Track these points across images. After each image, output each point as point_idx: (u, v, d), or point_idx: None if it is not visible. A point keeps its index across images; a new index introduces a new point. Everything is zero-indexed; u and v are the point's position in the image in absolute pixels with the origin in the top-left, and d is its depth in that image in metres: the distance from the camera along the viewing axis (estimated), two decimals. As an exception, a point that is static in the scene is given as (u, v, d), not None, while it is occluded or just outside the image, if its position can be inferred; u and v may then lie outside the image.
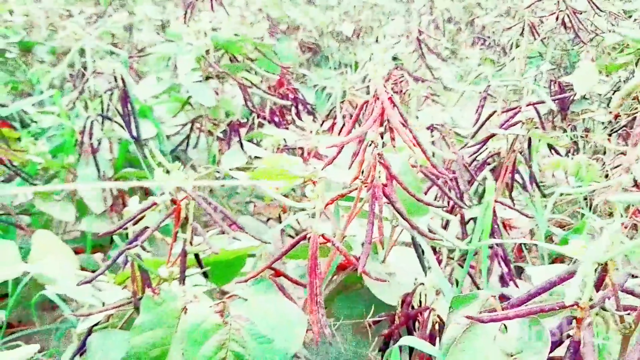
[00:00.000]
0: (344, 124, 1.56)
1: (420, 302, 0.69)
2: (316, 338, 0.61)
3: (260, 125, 1.41)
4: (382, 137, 0.63)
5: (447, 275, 0.91)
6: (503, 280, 0.99)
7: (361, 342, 0.78)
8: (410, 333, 0.70)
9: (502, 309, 0.49)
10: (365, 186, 0.66)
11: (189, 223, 0.71)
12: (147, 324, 0.62)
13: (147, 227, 0.70)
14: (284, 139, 1.35)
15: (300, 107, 1.64)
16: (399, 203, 0.63)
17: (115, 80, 1.10)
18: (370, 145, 0.61)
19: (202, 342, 0.57)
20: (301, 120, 1.64)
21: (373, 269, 0.81)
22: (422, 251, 0.85)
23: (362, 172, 0.67)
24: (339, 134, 1.45)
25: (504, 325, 0.49)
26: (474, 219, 1.00)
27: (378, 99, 0.60)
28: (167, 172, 0.68)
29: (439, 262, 0.97)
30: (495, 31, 3.15)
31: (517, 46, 2.88)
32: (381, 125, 0.63)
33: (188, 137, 1.23)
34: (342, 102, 1.55)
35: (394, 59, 1.69)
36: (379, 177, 0.63)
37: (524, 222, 1.25)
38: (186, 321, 0.59)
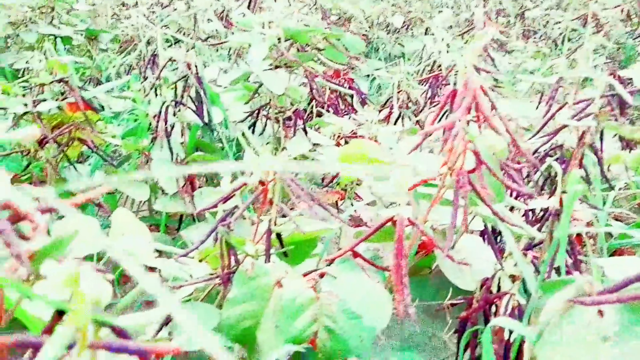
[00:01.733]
0: (400, 114, 1.58)
1: (499, 287, 0.71)
2: (400, 317, 0.64)
3: (319, 114, 1.44)
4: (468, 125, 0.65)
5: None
6: (558, 272, 0.99)
7: (432, 325, 0.80)
8: (486, 317, 0.71)
9: (598, 295, 0.51)
10: (451, 173, 0.68)
11: (275, 204, 0.74)
12: (239, 298, 0.66)
13: (237, 206, 0.74)
14: (342, 128, 1.38)
15: (356, 97, 1.66)
16: (483, 189, 0.65)
17: (189, 67, 1.14)
18: (458, 132, 0.63)
19: (297, 315, 0.61)
20: (355, 111, 1.66)
21: (444, 256, 0.82)
22: (495, 238, 0.86)
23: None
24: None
25: (600, 310, 0.50)
26: (532, 210, 1.01)
27: (468, 87, 0.62)
28: (257, 154, 0.72)
29: (502, 252, 0.98)
30: (546, 24, 3.09)
31: (569, 39, 2.82)
32: (469, 113, 0.64)
33: (254, 124, 1.27)
34: (399, 92, 1.57)
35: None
36: (465, 164, 0.65)
37: (586, 214, 1.24)
38: (280, 295, 0.62)
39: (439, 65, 1.65)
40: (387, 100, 1.60)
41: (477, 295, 0.71)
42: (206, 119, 1.16)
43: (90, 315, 0.31)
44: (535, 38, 2.97)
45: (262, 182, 0.74)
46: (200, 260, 0.87)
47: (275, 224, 0.75)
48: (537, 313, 0.62)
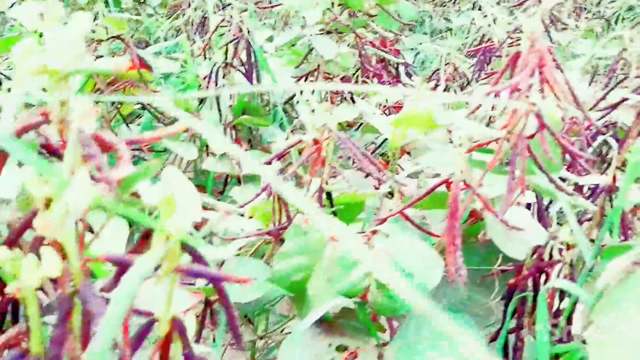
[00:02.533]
0: (446, 87, 1.56)
1: (550, 255, 0.70)
2: (451, 279, 0.64)
3: (364, 82, 1.43)
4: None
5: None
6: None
7: (478, 292, 0.80)
8: (536, 284, 0.71)
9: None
10: (508, 139, 0.67)
11: (327, 163, 0.75)
12: (292, 251, 0.67)
13: (291, 163, 0.75)
14: (388, 98, 1.37)
15: (402, 68, 1.65)
16: (545, 154, 0.64)
17: (240, 30, 1.15)
18: (522, 93, 0.62)
19: (350, 269, 0.62)
20: (400, 82, 1.65)
21: (494, 224, 0.82)
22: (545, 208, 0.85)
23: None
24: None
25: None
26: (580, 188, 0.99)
27: (534, 48, 0.61)
28: (313, 111, 0.72)
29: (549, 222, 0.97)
30: (599, 2, 2.98)
31: (623, 19, 2.71)
32: (532, 76, 0.63)
33: (301, 91, 1.27)
34: (447, 64, 1.55)
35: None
36: (525, 129, 0.64)
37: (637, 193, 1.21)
38: (334, 249, 0.64)
39: (489, 39, 1.62)
40: (433, 72, 1.58)
41: (528, 261, 0.71)
42: (255, 83, 1.16)
43: (181, 236, 0.32)
44: (587, 16, 2.86)
45: (316, 141, 0.75)
46: (250, 217, 0.89)
47: (327, 183, 0.76)
48: (591, 280, 0.61)
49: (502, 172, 0.82)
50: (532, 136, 0.65)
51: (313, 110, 0.72)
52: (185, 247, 0.35)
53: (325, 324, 0.69)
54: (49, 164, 0.31)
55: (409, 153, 1.14)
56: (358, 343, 0.65)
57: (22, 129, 0.36)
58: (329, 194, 0.77)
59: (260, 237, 0.81)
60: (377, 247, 0.63)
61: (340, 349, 0.64)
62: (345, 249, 0.62)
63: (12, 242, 0.33)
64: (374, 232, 0.65)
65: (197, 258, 0.36)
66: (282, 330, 1.01)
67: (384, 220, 0.68)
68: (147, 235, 0.35)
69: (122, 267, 0.33)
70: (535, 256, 0.70)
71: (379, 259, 0.62)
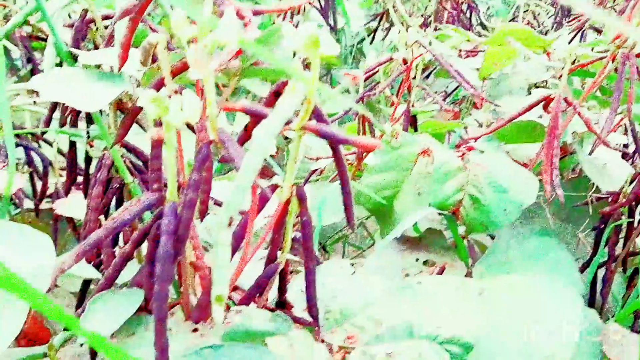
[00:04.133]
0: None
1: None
2: (548, 198, 0.62)
3: (436, 28, 1.39)
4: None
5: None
6: None
7: (567, 222, 0.78)
8: (631, 212, 0.68)
9: None
10: (613, 58, 0.63)
11: (415, 84, 0.74)
12: (382, 166, 0.67)
13: (379, 82, 0.74)
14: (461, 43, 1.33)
15: (474, 14, 1.59)
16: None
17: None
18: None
19: (444, 181, 0.61)
20: (470, 29, 1.59)
21: (586, 158, 0.79)
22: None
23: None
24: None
25: None
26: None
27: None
28: (407, 28, 0.71)
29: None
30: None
31: None
32: None
33: (374, 30, 1.25)
34: (525, 11, 1.48)
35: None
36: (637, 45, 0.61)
37: None
38: (426, 163, 0.63)
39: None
40: (511, 19, 1.52)
41: (625, 189, 0.68)
42: (331, 22, 1.15)
43: (317, 86, 0.32)
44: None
45: (405, 61, 0.73)
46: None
47: (413, 105, 0.75)
48: None
49: (599, 101, 0.78)
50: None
51: (407, 26, 0.70)
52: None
53: (411, 241, 0.69)
54: (195, 5, 0.31)
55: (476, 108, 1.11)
56: (445, 259, 0.64)
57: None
58: (414, 117, 0.76)
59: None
60: (472, 161, 0.62)
61: (428, 263, 0.64)
62: (439, 162, 0.61)
63: (158, 87, 0.33)
64: (470, 148, 0.63)
65: (321, 118, 0.36)
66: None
67: (478, 137, 0.66)
68: (277, 93, 0.36)
69: (257, 117, 0.34)
70: (635, 182, 0.67)
71: (474, 172, 0.61)
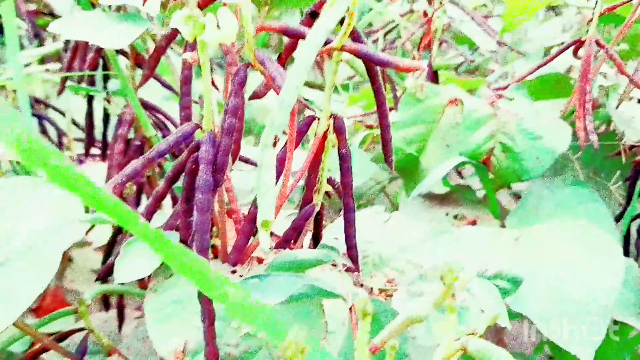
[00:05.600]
0: None
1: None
2: (582, 145, 0.60)
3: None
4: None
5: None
6: None
7: (597, 175, 0.76)
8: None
9: None
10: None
11: (437, 37, 0.72)
12: (406, 121, 0.65)
13: (399, 37, 0.72)
14: None
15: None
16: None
17: None
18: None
19: (474, 129, 0.59)
20: None
21: (614, 112, 0.77)
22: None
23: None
24: None
25: None
26: None
27: None
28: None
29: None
30: None
31: None
32: None
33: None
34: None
35: None
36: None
37: None
38: (455, 112, 0.61)
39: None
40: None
41: (660, 136, 0.65)
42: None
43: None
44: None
45: (425, 14, 0.71)
46: (350, 103, 0.87)
47: (434, 60, 0.73)
48: None
49: (623, 53, 0.76)
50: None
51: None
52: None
53: (438, 198, 0.67)
54: None
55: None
56: (476, 213, 0.63)
57: None
58: (435, 72, 0.74)
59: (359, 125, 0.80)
60: (502, 108, 0.60)
61: (458, 217, 0.62)
62: (468, 110, 0.59)
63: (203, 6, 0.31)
64: (499, 96, 0.61)
65: (359, 40, 0.34)
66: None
67: (506, 87, 0.64)
68: (314, 13, 0.34)
69: (295, 37, 0.32)
70: (670, 128, 0.64)
71: (505, 119, 0.59)
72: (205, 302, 0.31)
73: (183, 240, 0.36)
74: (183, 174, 0.34)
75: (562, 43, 1.05)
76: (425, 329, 0.36)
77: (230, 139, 0.31)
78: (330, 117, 0.36)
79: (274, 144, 0.29)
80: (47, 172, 0.18)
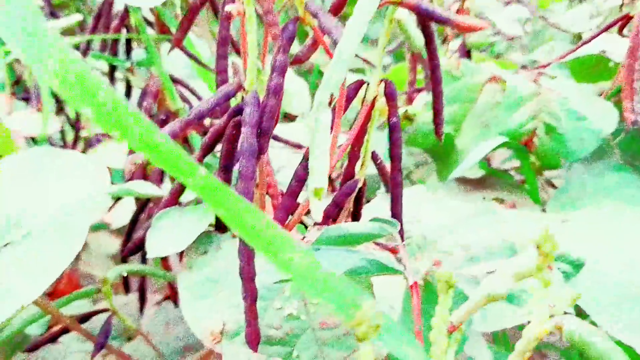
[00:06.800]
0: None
1: None
2: (627, 127, 0.57)
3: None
4: None
5: None
6: None
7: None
8: None
9: None
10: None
11: (473, 13, 0.68)
12: (441, 100, 0.62)
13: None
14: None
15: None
16: None
17: None
18: None
19: (516, 107, 0.56)
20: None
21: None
22: None
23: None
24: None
25: None
26: None
27: None
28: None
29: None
30: None
31: None
32: None
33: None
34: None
35: None
36: None
37: None
38: (494, 90, 0.57)
39: None
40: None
41: None
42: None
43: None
44: None
45: (461, -11, 0.68)
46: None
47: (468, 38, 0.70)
48: None
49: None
50: None
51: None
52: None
53: (473, 182, 0.64)
54: None
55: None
56: (514, 197, 0.59)
57: None
58: (469, 52, 0.71)
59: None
60: (545, 86, 0.57)
61: (497, 201, 0.59)
62: (509, 88, 0.56)
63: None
64: (540, 73, 0.58)
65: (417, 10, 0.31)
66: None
67: (547, 65, 0.61)
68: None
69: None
70: None
71: (548, 98, 0.56)
72: (247, 279, 0.29)
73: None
74: (221, 141, 0.32)
75: (597, 27, 1.01)
76: (481, 315, 0.33)
77: (277, 100, 0.28)
78: (381, 81, 0.33)
79: (329, 103, 0.26)
80: (93, 109, 0.15)
